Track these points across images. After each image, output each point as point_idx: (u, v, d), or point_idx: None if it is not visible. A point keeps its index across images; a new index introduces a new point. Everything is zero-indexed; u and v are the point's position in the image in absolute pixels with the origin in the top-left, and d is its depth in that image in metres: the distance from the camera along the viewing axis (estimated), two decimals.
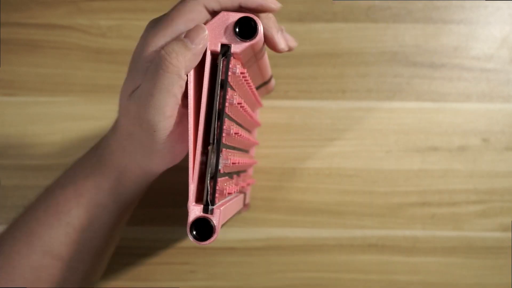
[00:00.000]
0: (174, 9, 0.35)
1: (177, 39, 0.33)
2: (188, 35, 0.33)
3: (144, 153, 0.37)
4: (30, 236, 0.41)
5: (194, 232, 0.32)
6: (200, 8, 0.34)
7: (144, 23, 0.36)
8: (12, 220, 0.44)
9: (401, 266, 0.56)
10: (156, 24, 0.34)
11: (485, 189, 0.56)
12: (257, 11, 0.35)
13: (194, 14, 0.34)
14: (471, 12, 0.57)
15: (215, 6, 0.34)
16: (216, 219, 0.32)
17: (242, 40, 0.33)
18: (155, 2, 0.56)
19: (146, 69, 0.34)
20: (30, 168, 0.57)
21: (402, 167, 0.56)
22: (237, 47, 0.33)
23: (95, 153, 0.42)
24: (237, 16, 0.33)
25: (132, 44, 0.36)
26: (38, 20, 0.58)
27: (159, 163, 0.38)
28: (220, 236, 0.56)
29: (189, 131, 0.33)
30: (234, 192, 0.37)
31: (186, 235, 0.31)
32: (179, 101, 0.34)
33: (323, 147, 0.56)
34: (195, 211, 0.33)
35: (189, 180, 0.33)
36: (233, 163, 0.36)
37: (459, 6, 0.57)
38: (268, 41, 0.35)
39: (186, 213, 0.58)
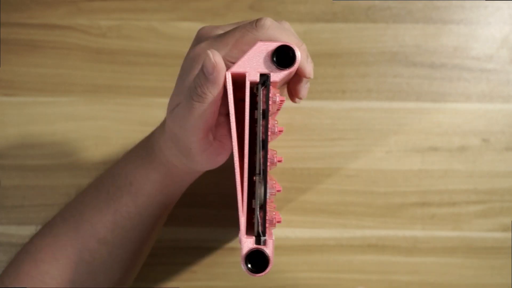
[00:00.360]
0: (231, 35, 0.34)
1: (201, 69, 0.33)
2: (203, 65, 0.33)
3: (186, 159, 0.39)
4: (79, 220, 0.43)
5: (249, 265, 0.32)
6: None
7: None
8: (64, 204, 0.46)
9: (401, 266, 0.56)
10: (212, 43, 0.34)
11: (485, 189, 0.56)
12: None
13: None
14: (471, 12, 0.57)
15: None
16: (269, 250, 0.32)
17: (280, 69, 0.33)
18: (155, 2, 0.56)
19: (186, 90, 0.34)
20: (30, 168, 0.57)
21: (402, 167, 0.56)
22: (276, 76, 0.33)
23: (144, 147, 0.43)
24: (275, 45, 0.33)
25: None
26: (38, 20, 0.58)
27: (201, 167, 0.39)
28: (220, 237, 0.56)
29: (235, 164, 0.33)
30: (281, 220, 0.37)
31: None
32: (212, 124, 0.35)
33: (323, 147, 0.56)
34: (247, 243, 0.33)
35: (239, 213, 0.33)
36: (278, 191, 0.35)
37: (459, 6, 0.57)
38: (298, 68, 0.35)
39: (188, 214, 0.58)
